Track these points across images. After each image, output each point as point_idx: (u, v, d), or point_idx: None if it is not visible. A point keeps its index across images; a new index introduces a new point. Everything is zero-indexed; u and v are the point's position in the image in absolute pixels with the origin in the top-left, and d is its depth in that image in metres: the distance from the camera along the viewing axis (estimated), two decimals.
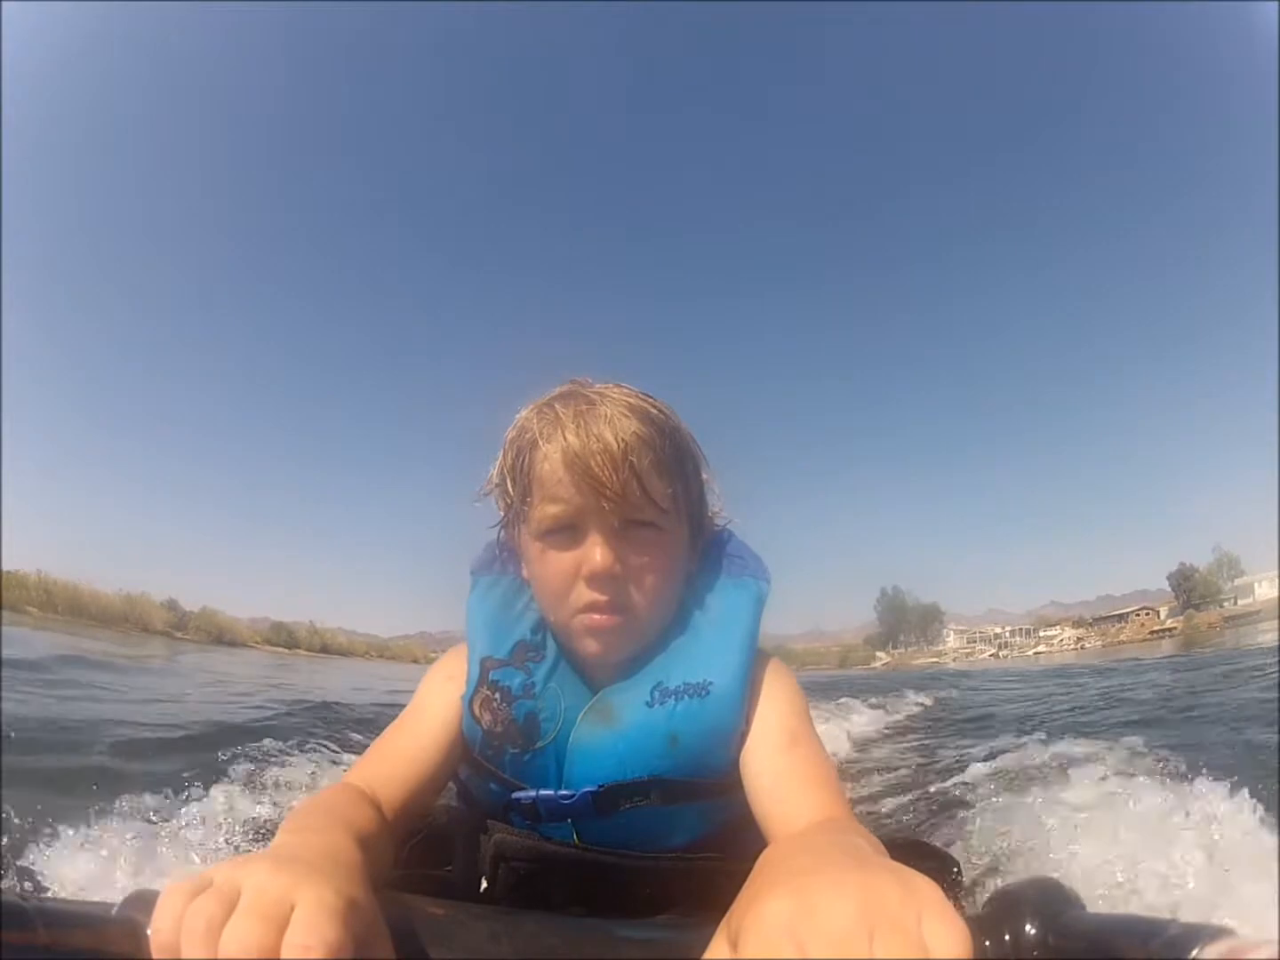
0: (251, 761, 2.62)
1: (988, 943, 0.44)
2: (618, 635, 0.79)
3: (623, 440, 0.75)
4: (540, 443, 0.78)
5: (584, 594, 0.77)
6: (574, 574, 0.78)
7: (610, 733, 0.79)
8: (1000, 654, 71.73)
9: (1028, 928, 0.43)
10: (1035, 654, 64.67)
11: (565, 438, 0.76)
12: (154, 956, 0.41)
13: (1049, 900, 0.45)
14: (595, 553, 0.76)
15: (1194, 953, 0.35)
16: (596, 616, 0.78)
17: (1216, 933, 0.36)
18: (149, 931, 0.43)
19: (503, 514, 0.88)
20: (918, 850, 0.87)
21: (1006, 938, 0.44)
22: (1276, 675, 5.74)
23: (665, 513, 0.80)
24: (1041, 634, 78.64)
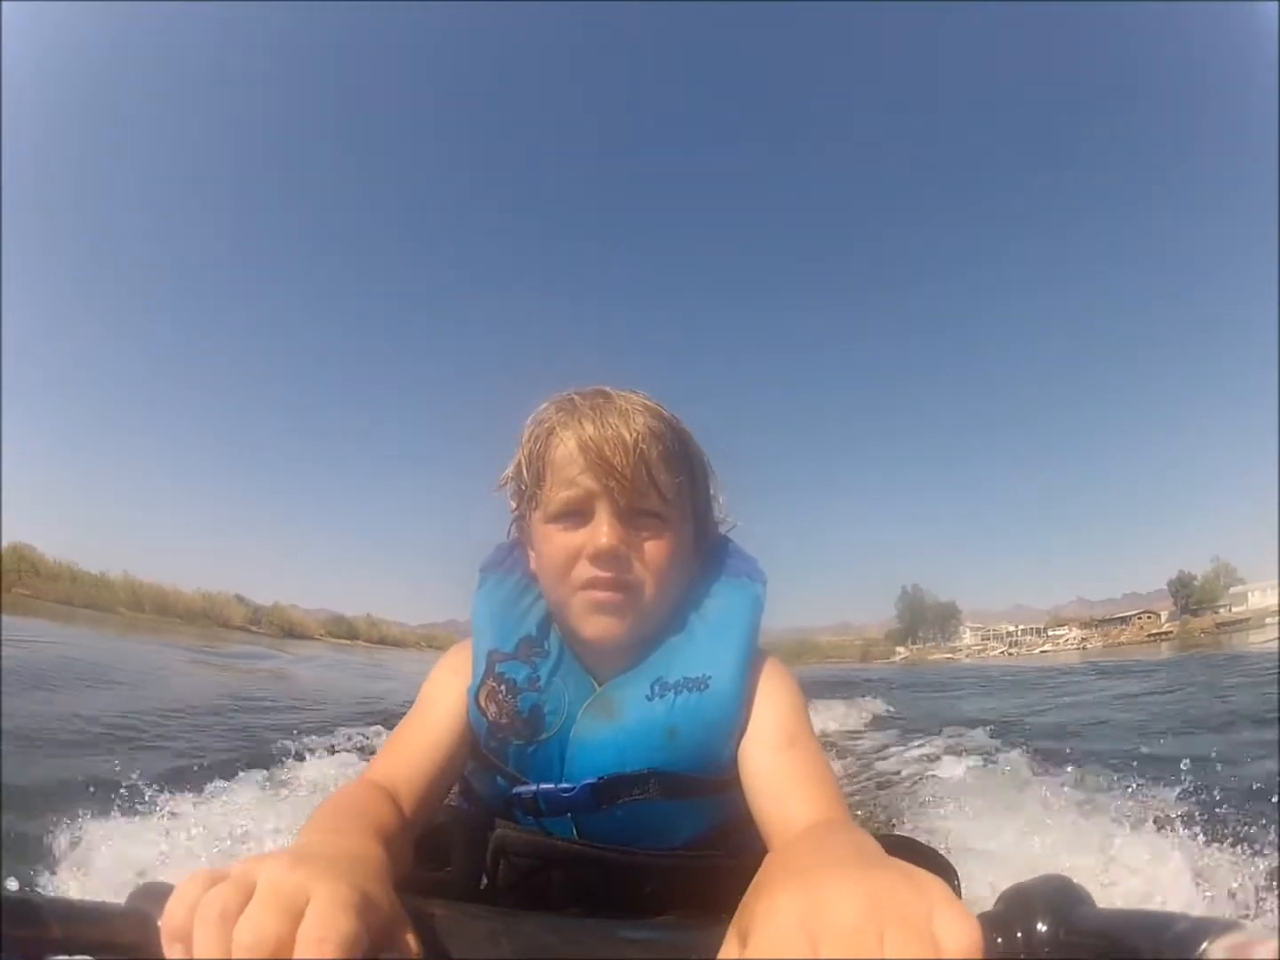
0: None
1: (999, 940, 0.44)
2: (619, 613, 0.80)
3: (635, 431, 0.80)
4: (558, 429, 0.83)
5: (587, 570, 0.80)
6: (579, 553, 0.80)
7: (610, 725, 0.81)
8: (1010, 651, 74.56)
9: (1039, 925, 0.43)
10: (1041, 652, 67.49)
11: (582, 425, 0.81)
12: (165, 945, 0.40)
13: (1059, 897, 0.45)
14: (601, 531, 0.79)
15: (1202, 947, 0.35)
16: (598, 593, 0.80)
17: (1225, 927, 0.36)
18: (160, 921, 0.41)
19: (515, 508, 0.93)
20: (912, 850, 0.82)
21: (1019, 935, 0.44)
22: (1275, 675, 6.43)
23: (670, 504, 0.83)
24: (1050, 633, 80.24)
